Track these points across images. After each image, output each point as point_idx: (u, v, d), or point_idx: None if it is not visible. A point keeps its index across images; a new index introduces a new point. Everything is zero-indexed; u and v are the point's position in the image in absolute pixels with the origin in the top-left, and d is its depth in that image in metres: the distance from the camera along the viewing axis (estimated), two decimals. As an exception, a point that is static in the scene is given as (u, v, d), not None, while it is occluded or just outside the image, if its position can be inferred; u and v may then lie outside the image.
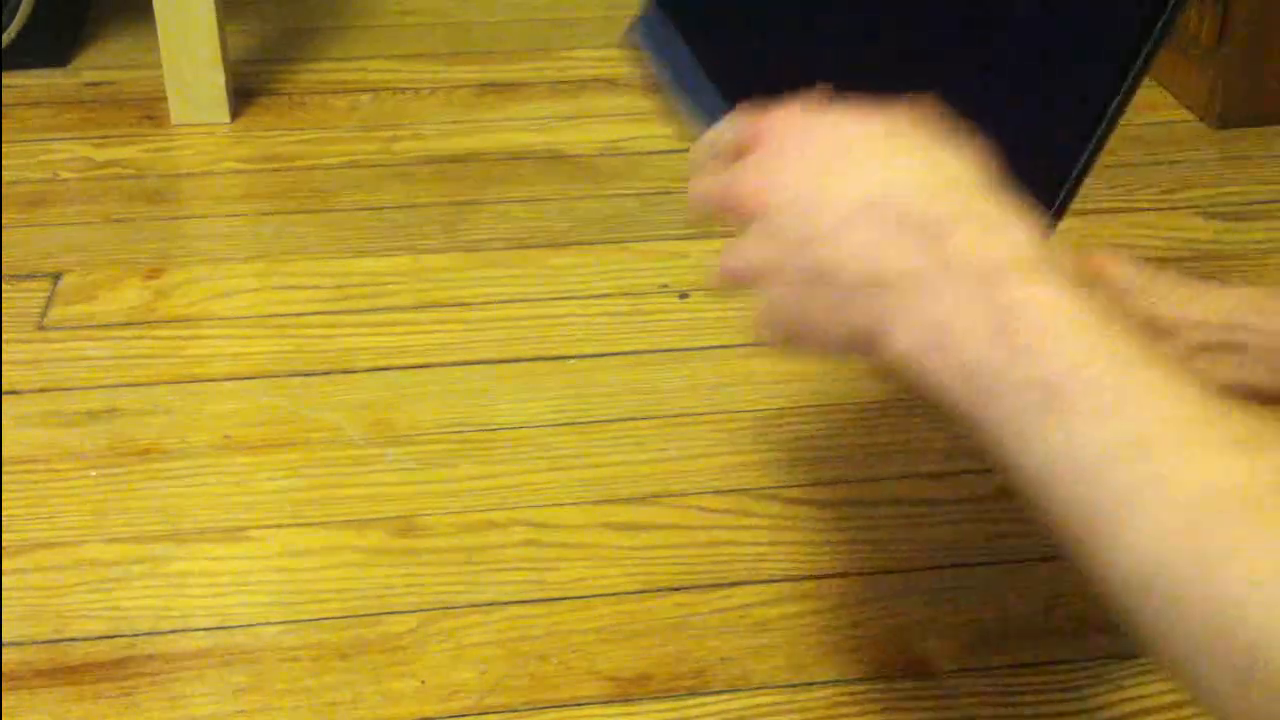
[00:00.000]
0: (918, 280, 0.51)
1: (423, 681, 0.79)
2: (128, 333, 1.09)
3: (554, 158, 1.35)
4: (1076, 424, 0.45)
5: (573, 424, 0.99)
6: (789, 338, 0.57)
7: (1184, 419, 0.44)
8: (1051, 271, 0.50)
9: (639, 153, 1.35)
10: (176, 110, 1.40)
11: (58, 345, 1.07)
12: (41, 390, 1.02)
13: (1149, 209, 1.27)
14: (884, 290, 0.52)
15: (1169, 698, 0.79)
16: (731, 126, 0.61)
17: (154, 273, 1.17)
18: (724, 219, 0.59)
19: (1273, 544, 0.40)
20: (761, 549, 0.89)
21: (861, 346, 0.54)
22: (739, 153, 0.59)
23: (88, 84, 1.49)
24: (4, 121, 1.39)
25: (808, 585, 0.86)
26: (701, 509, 0.92)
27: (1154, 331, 0.76)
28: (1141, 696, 0.79)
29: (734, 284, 0.58)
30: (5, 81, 1.46)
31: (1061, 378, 0.46)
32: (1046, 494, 0.46)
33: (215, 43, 1.38)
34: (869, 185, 0.53)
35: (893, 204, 0.53)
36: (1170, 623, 0.42)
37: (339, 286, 1.15)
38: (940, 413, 0.52)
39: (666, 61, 0.68)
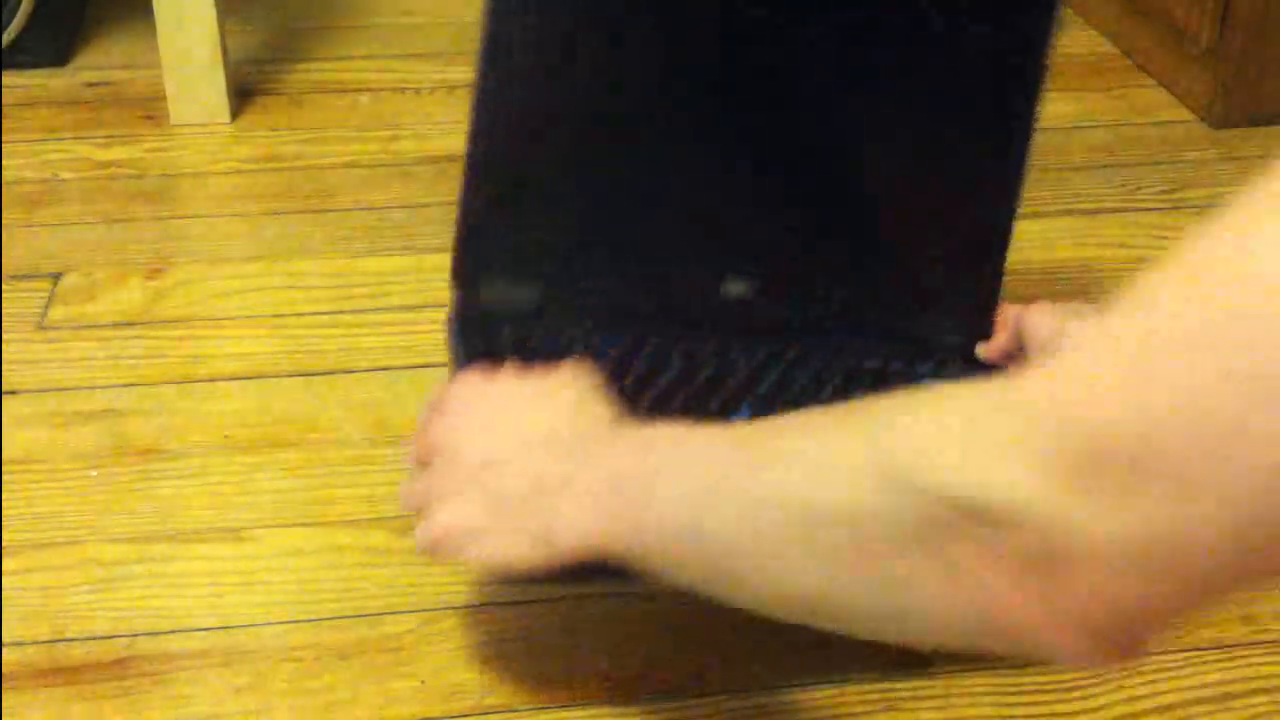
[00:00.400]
0: (571, 480, 0.66)
1: (423, 681, 0.79)
2: (128, 333, 1.09)
3: (554, 158, 1.35)
4: (694, 477, 0.61)
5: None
6: (461, 550, 0.70)
7: (733, 447, 0.61)
8: (655, 429, 0.67)
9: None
10: (176, 110, 1.40)
11: (58, 345, 1.07)
12: (41, 390, 1.02)
13: (1149, 209, 1.27)
14: (550, 496, 0.67)
15: (1169, 698, 0.79)
16: (432, 395, 0.76)
17: (154, 273, 1.17)
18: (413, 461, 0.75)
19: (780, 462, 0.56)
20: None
21: (541, 546, 0.67)
22: (437, 413, 0.75)
23: (88, 84, 1.49)
24: (4, 121, 1.39)
25: (808, 585, 0.86)
26: (701, 509, 0.92)
27: None
28: (1141, 696, 0.79)
29: (416, 508, 0.72)
30: (5, 81, 1.46)
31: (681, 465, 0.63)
32: (695, 529, 0.61)
33: (215, 43, 1.38)
34: (532, 426, 0.70)
35: (549, 437, 0.69)
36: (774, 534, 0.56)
37: (339, 286, 1.15)
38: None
39: (454, 350, 0.84)
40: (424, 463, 0.73)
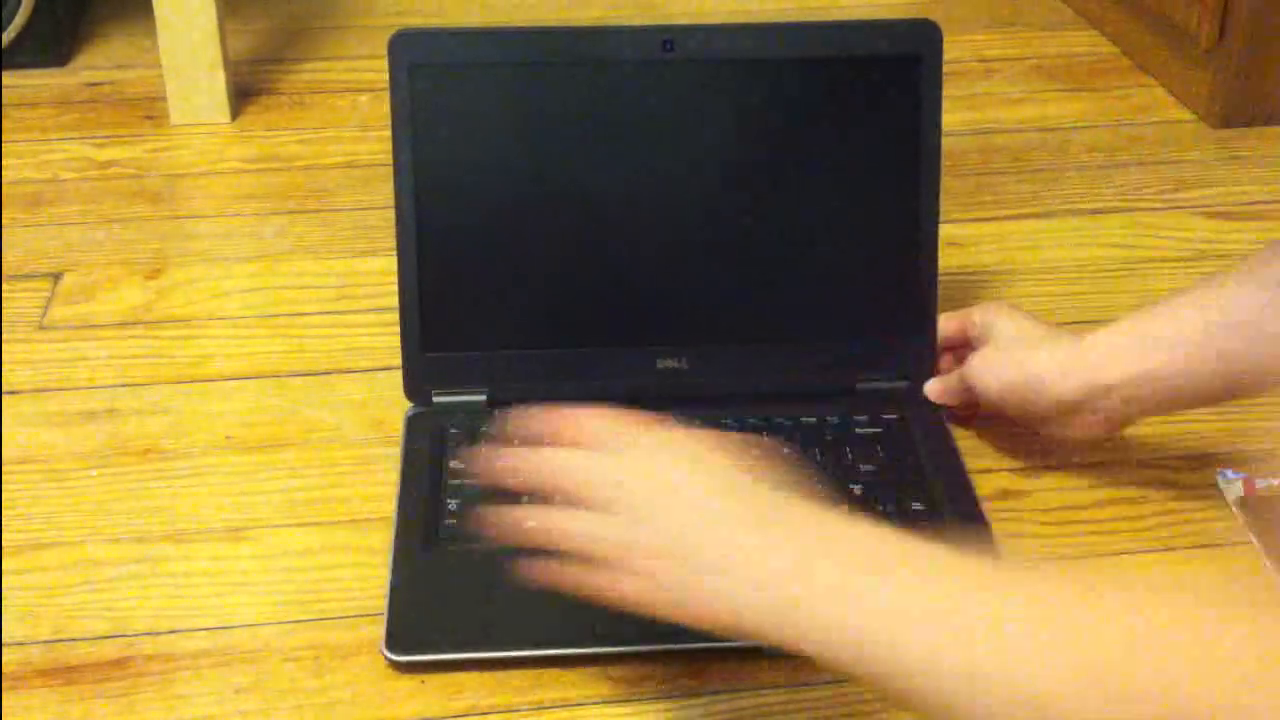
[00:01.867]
0: (749, 559, 0.63)
1: (423, 681, 0.79)
2: (128, 333, 1.09)
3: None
4: (881, 592, 0.60)
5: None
6: (625, 599, 0.67)
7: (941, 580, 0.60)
8: (826, 515, 0.64)
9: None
10: (176, 110, 1.40)
11: (58, 345, 1.07)
12: (41, 390, 1.02)
13: (1149, 209, 1.27)
14: (726, 575, 0.63)
15: (1169, 698, 0.79)
16: (535, 416, 0.70)
17: (154, 273, 1.17)
18: (513, 487, 0.70)
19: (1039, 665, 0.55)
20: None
21: (682, 603, 0.65)
22: (541, 440, 0.70)
23: (88, 84, 1.49)
24: (4, 121, 1.39)
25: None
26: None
27: (1034, 391, 0.88)
28: (1141, 696, 0.79)
29: (583, 555, 0.68)
30: (5, 81, 1.46)
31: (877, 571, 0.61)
32: (868, 648, 0.60)
33: (215, 43, 1.38)
34: (706, 489, 0.66)
35: (726, 506, 0.65)
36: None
37: (339, 286, 1.15)
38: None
39: (405, 445, 0.93)
40: (533, 488, 0.69)
